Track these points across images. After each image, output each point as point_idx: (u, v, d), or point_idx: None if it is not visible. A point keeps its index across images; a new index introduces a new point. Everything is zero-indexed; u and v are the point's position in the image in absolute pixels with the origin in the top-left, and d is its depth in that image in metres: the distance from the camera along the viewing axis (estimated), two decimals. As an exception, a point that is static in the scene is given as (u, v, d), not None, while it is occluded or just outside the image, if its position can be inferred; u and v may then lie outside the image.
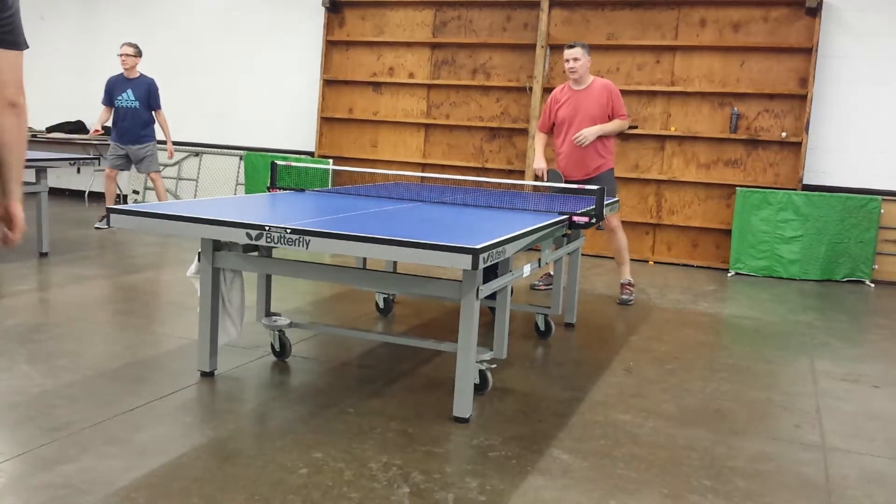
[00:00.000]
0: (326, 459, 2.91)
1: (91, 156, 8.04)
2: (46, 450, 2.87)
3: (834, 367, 4.53)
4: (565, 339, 4.89)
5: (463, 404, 3.34)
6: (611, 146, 5.94)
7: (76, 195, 10.84)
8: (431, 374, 4.01)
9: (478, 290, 3.22)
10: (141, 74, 8.22)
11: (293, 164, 5.41)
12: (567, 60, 5.86)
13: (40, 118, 10.60)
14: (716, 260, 7.98)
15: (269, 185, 4.83)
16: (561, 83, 8.37)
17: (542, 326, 4.84)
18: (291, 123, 9.71)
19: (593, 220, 4.22)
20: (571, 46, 5.85)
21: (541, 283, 6.36)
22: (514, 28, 8.61)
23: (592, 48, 8.22)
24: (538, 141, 6.13)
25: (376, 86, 9.24)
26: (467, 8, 8.78)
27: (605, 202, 5.79)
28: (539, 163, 5.96)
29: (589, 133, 5.74)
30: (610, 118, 5.81)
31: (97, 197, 10.36)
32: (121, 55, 8.14)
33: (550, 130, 6.07)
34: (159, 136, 8.30)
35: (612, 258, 8.14)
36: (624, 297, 5.97)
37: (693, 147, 8.05)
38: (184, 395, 3.51)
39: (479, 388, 3.64)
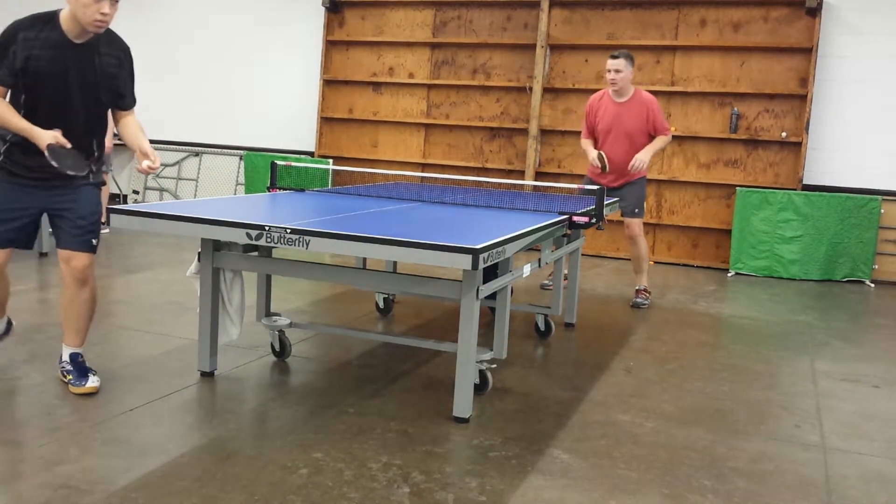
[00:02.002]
0: (326, 459, 2.91)
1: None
2: (46, 450, 2.87)
3: (834, 367, 4.53)
4: (565, 339, 4.89)
5: (463, 404, 3.34)
6: None
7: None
8: (431, 374, 4.01)
9: (478, 290, 3.22)
10: None
11: (293, 164, 5.41)
12: (609, 71, 5.72)
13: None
14: (716, 260, 7.98)
15: (269, 185, 4.83)
16: (561, 83, 8.44)
17: (542, 326, 4.84)
18: (291, 123, 9.71)
19: (593, 220, 4.22)
20: (615, 57, 5.70)
21: (550, 284, 6.33)
22: (514, 28, 8.61)
23: (592, 48, 8.27)
24: (586, 145, 5.98)
25: (376, 86, 9.24)
26: (467, 8, 8.77)
27: (635, 208, 5.78)
28: (592, 153, 5.83)
29: (645, 158, 5.65)
30: (649, 133, 5.75)
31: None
32: None
33: (593, 136, 5.96)
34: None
35: (612, 258, 8.19)
36: (638, 300, 5.92)
37: (693, 147, 8.05)
38: (184, 395, 3.51)
39: (479, 388, 3.64)
